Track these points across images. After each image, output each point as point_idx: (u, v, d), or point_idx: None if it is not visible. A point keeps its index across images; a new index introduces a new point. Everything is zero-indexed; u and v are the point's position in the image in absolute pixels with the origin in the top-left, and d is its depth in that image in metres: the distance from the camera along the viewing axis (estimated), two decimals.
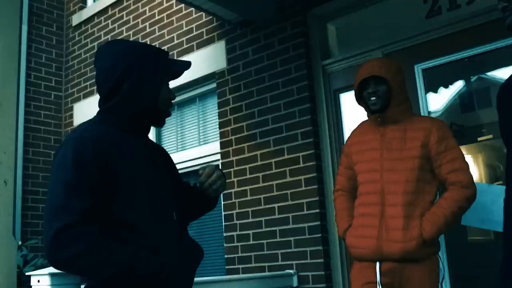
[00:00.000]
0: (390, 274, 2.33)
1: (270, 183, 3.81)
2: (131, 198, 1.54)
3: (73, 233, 1.43)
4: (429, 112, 3.32)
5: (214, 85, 4.39)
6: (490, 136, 3.14)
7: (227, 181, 3.98)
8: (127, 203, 1.53)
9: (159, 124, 1.75)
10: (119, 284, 1.50)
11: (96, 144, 1.53)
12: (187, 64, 1.74)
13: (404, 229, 2.29)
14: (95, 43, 5.52)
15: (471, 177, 2.34)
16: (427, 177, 2.37)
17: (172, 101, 1.78)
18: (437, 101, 3.40)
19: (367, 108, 2.52)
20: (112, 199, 1.51)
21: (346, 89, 3.66)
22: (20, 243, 4.20)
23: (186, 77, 4.31)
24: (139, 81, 1.63)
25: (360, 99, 2.54)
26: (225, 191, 4.03)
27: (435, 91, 3.42)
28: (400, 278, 2.32)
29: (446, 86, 3.42)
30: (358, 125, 2.66)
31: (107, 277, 1.47)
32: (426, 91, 3.36)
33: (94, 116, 1.70)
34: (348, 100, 3.64)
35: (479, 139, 3.22)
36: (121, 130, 1.63)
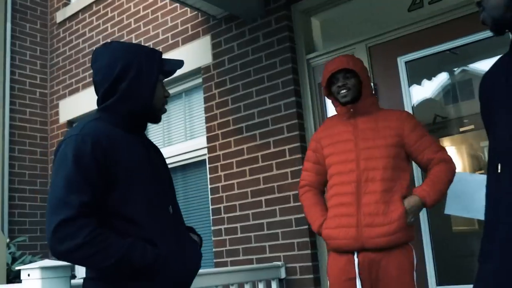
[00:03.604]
0: (368, 267, 2.35)
1: (257, 176, 3.81)
2: (129, 193, 1.60)
3: (72, 226, 1.50)
4: (412, 106, 3.32)
5: (199, 80, 4.37)
6: (472, 127, 3.17)
7: (214, 175, 4.08)
8: (125, 197, 1.59)
9: (156, 121, 1.81)
10: (118, 274, 1.56)
11: (95, 141, 1.58)
12: (180, 63, 1.81)
13: (384, 213, 2.33)
14: (80, 40, 5.45)
15: (443, 149, 2.49)
16: (402, 165, 2.45)
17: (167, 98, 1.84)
18: (421, 93, 3.42)
19: (336, 102, 2.58)
20: (110, 193, 1.58)
21: None
22: (8, 240, 4.17)
23: None
24: (136, 80, 1.69)
25: (329, 95, 2.60)
26: (213, 185, 4.06)
27: (419, 83, 3.43)
28: (377, 272, 2.35)
29: (429, 78, 3.43)
30: (325, 121, 2.72)
31: (105, 267, 1.53)
32: (410, 84, 3.37)
33: (93, 114, 1.74)
34: None
35: (461, 129, 3.25)
36: (119, 127, 1.68)
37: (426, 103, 3.41)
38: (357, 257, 2.37)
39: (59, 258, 1.56)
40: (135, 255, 1.54)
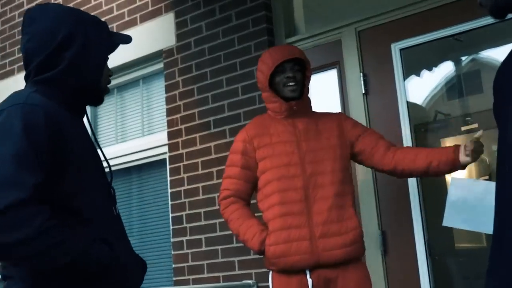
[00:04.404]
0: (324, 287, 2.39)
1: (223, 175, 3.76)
2: (79, 184, 1.55)
3: (23, 212, 1.38)
4: (407, 102, 3.29)
5: (160, 65, 4.33)
6: (476, 126, 3.18)
7: (176, 177, 4.04)
8: (75, 189, 1.54)
9: (99, 102, 1.78)
10: (63, 277, 1.46)
11: (48, 113, 1.51)
12: (128, 38, 1.79)
13: (339, 221, 2.41)
14: (16, 12, 5.26)
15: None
16: (348, 167, 2.59)
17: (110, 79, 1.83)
18: (419, 86, 3.42)
19: (273, 97, 2.56)
20: (59, 182, 1.50)
21: (314, 71, 3.36)
22: None
23: (127, 55, 4.37)
24: (84, 50, 1.64)
25: (266, 88, 2.59)
26: (173, 189, 4.02)
27: (417, 74, 3.45)
28: None
29: (429, 69, 3.45)
30: (253, 120, 2.73)
31: (56, 267, 1.43)
32: (405, 75, 3.36)
33: (25, 88, 1.66)
34: (316, 84, 3.57)
35: (466, 128, 3.27)
36: (62, 106, 1.62)
37: (425, 98, 3.41)
38: (310, 277, 2.37)
39: None
40: (92, 254, 1.48)
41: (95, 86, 1.72)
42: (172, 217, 4.05)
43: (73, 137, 1.59)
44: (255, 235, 2.47)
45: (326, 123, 2.59)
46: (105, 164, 1.80)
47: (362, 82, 3.45)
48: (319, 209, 2.40)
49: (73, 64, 1.64)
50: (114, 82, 4.55)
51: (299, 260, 2.37)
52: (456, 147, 2.44)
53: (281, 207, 2.44)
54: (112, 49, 1.80)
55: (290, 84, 2.54)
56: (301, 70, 2.58)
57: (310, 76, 2.65)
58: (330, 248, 2.37)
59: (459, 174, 3.15)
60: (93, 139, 1.77)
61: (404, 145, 3.18)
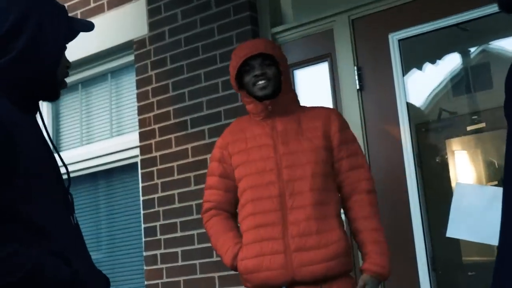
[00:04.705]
0: None
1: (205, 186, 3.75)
2: (32, 190, 1.50)
3: None
4: (406, 99, 3.28)
5: (131, 57, 4.33)
6: (483, 125, 3.19)
7: (148, 183, 3.87)
8: (27, 195, 1.49)
9: (54, 97, 1.76)
10: None
11: None
12: (90, 25, 1.77)
13: (318, 233, 2.37)
14: None
15: (372, 179, 2.57)
16: (332, 173, 2.54)
17: (69, 73, 1.82)
18: (420, 81, 3.40)
19: (248, 98, 2.60)
20: (6, 188, 1.45)
21: (302, 64, 3.66)
22: None
23: (94, 46, 4.33)
24: (38, 37, 1.61)
25: (240, 88, 2.62)
26: (146, 197, 4.02)
27: (418, 68, 3.43)
28: None
29: (432, 62, 3.42)
30: (232, 123, 2.78)
31: (3, 284, 1.37)
32: (405, 69, 3.35)
33: None
34: (305, 78, 3.65)
35: (469, 128, 3.29)
36: (11, 101, 1.59)
37: (427, 94, 3.40)
38: None
39: None
40: (47, 269, 1.43)
41: (50, 79, 1.69)
42: (144, 228, 4.03)
43: (23, 138, 1.54)
44: (228, 249, 2.50)
45: (310, 121, 2.56)
46: (63, 168, 1.79)
47: (356, 77, 3.44)
48: (296, 219, 2.38)
49: (25, 52, 1.60)
50: (78, 76, 4.60)
51: (272, 276, 2.37)
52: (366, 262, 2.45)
53: (254, 218, 2.45)
54: (71, 36, 1.77)
55: (260, 83, 2.53)
56: (274, 64, 2.56)
57: (288, 70, 2.63)
58: (307, 263, 2.34)
59: (467, 178, 3.22)
60: (47, 139, 1.73)
61: (403, 148, 3.22)
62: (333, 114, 2.62)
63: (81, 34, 1.82)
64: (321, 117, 2.57)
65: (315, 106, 2.71)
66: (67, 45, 1.76)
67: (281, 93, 2.55)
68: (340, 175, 2.53)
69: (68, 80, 1.86)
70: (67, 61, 1.77)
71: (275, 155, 2.48)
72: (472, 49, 3.38)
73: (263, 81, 2.52)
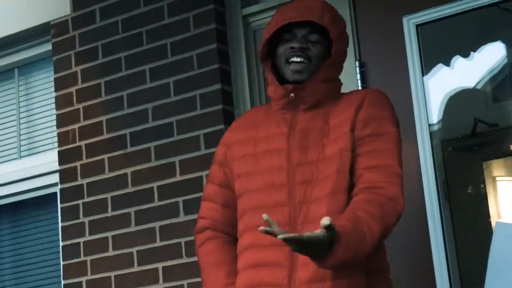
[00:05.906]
0: None
1: (151, 225, 3.73)
2: None
3: None
4: (426, 112, 3.30)
5: (48, 46, 4.34)
6: None
7: (71, 222, 4.11)
8: None
9: None
10: None
11: None
12: None
13: (334, 279, 2.29)
14: None
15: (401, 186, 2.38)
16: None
17: None
18: (446, 81, 3.41)
19: (272, 76, 2.51)
20: None
21: None
22: None
23: None
24: None
25: (266, 60, 2.55)
26: (68, 242, 3.98)
27: (443, 63, 3.42)
28: None
29: (463, 55, 3.42)
30: (247, 112, 2.86)
31: None
32: (425, 65, 3.35)
33: None
34: None
35: None
36: None
37: (457, 100, 3.41)
38: None
39: None
40: None
41: None
42: (64, 285, 3.96)
43: None
44: (217, 283, 2.50)
45: (341, 114, 2.44)
46: None
47: (359, 75, 3.48)
48: (307, 259, 2.21)
49: None
50: None
51: None
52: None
53: (253, 253, 2.39)
54: None
55: (295, 60, 2.42)
56: (324, 42, 2.47)
57: (342, 53, 2.53)
58: None
59: (510, 215, 3.30)
60: None
61: (423, 173, 3.27)
62: (370, 95, 2.50)
63: None
64: (354, 104, 2.45)
65: (354, 90, 2.67)
66: None
67: (314, 78, 2.44)
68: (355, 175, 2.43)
69: None
70: None
71: (288, 166, 2.40)
72: None
73: (299, 60, 2.42)
